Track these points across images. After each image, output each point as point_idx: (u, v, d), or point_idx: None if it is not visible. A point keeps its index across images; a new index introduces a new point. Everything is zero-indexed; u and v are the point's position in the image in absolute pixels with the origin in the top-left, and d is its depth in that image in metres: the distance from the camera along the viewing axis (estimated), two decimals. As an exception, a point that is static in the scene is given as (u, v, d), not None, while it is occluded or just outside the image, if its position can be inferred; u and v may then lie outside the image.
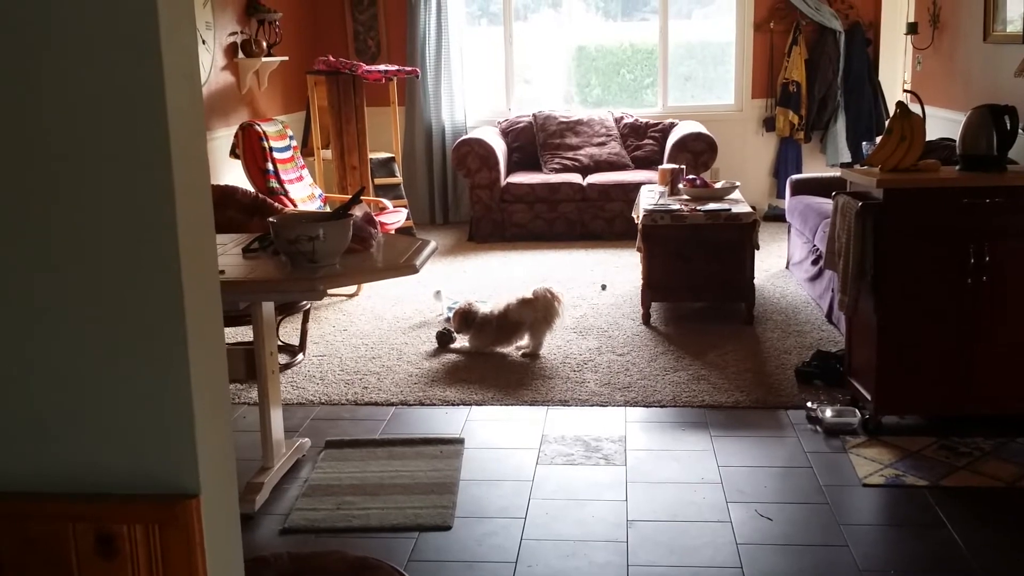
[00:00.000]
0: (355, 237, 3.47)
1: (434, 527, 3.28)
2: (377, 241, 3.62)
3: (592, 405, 4.35)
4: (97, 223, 1.48)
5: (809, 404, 4.15)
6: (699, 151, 7.56)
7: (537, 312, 4.96)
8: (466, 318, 5.01)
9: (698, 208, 5.44)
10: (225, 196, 5.30)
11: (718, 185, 5.94)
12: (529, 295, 5.01)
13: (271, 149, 6.39)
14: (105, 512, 1.58)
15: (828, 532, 3.21)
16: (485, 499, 3.49)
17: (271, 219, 3.27)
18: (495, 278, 6.59)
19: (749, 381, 4.55)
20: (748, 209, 5.47)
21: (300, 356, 5.03)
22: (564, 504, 3.43)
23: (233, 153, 6.47)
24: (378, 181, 7.61)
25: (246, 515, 3.35)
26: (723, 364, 4.78)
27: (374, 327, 5.56)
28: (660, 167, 6.29)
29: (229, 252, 3.64)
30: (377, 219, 3.62)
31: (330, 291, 6.21)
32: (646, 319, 5.49)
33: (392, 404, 4.41)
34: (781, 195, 8.23)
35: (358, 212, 3.64)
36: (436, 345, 5.12)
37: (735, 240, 5.37)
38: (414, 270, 3.30)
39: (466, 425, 4.16)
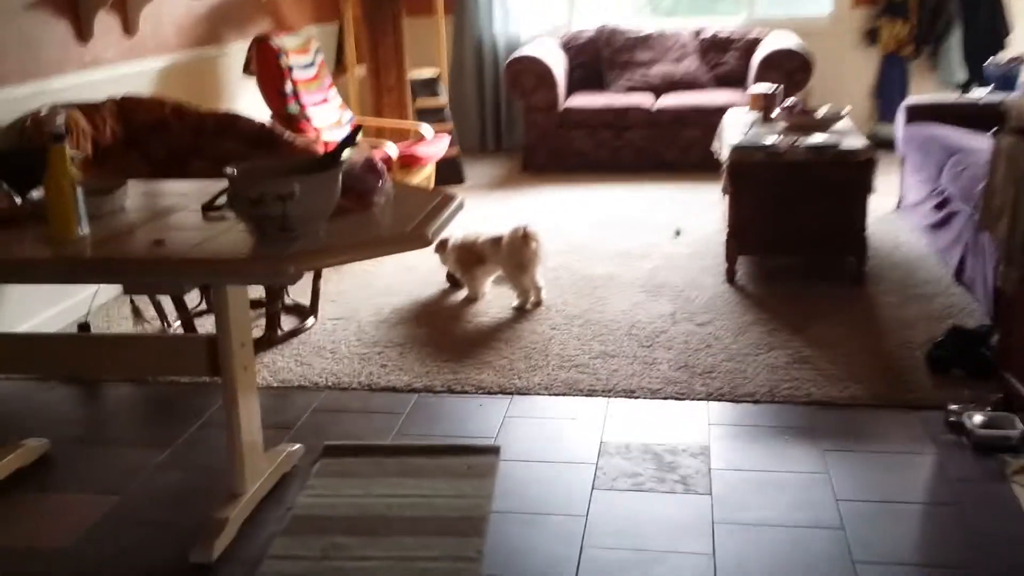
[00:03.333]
0: (351, 192, 2.57)
1: (451, 591, 2.42)
2: (385, 195, 2.71)
3: (665, 397, 3.44)
4: None
5: (951, 406, 3.18)
6: (792, 69, 6.46)
7: (502, 254, 4.29)
8: (441, 243, 4.48)
9: (799, 142, 4.42)
10: (224, 125, 4.44)
11: (820, 112, 4.90)
12: (504, 233, 4.30)
13: (290, 68, 5.48)
14: None
15: (999, 618, 2.28)
16: (523, 546, 2.60)
17: (227, 169, 2.36)
18: (550, 216, 5.65)
19: (866, 366, 3.59)
20: (862, 143, 4.43)
21: (311, 320, 4.17)
22: (628, 558, 2.53)
23: (247, 69, 5.57)
24: (420, 103, 6.66)
25: (201, 566, 2.52)
26: (830, 340, 3.82)
27: (403, 282, 4.68)
28: (751, 90, 5.26)
29: (190, 208, 2.76)
30: (382, 167, 2.69)
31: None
32: (731, 276, 4.53)
33: (414, 390, 3.54)
34: (883, 119, 7.15)
35: (359, 158, 2.72)
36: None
37: (845, 182, 4.34)
38: (425, 242, 2.39)
39: (504, 423, 3.27)
